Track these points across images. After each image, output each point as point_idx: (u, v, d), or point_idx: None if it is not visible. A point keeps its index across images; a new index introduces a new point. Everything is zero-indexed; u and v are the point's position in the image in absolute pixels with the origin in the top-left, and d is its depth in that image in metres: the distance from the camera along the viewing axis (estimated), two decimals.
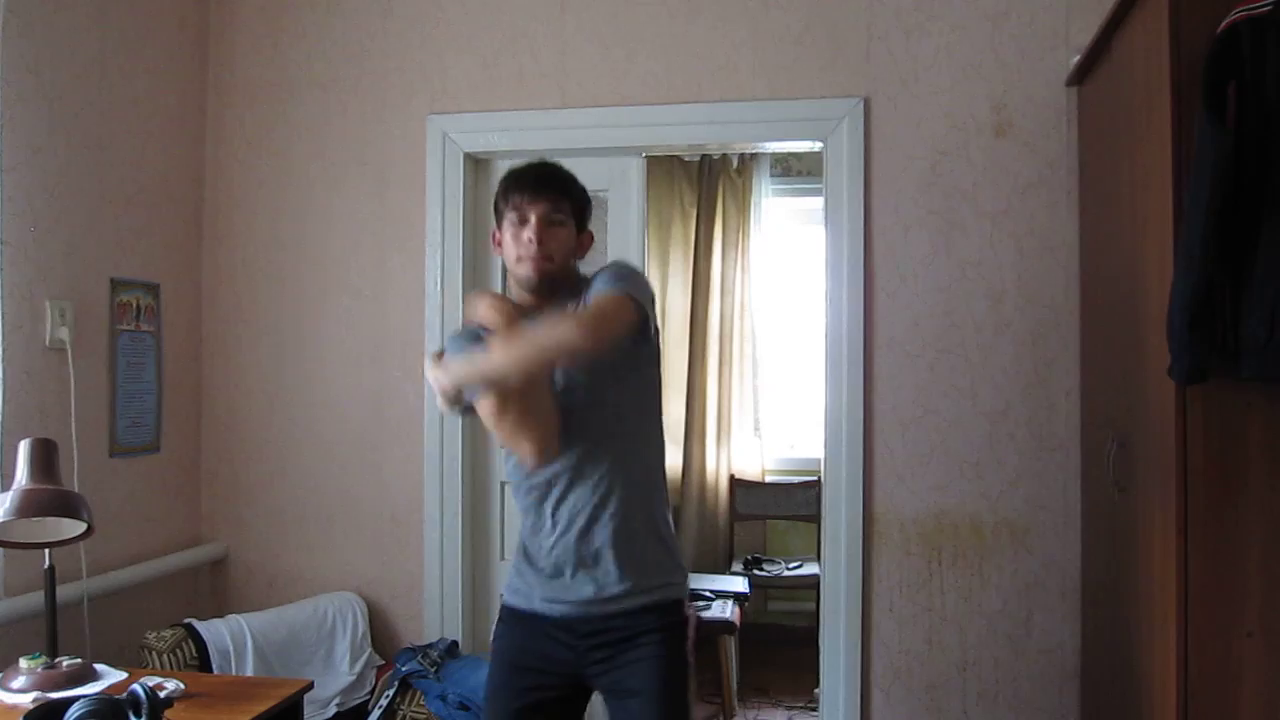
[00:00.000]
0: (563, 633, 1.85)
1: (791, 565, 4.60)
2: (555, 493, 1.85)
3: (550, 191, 1.85)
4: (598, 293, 1.78)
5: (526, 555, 1.91)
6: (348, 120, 3.12)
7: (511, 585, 1.94)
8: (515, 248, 1.84)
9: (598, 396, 1.84)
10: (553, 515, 1.86)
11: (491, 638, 2.02)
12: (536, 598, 1.87)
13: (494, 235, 1.93)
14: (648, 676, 1.80)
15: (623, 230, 3.06)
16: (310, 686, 2.23)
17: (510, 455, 1.91)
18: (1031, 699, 2.74)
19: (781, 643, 4.64)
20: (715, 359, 4.89)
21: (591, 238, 1.97)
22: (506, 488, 3.14)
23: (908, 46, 2.82)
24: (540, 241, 1.82)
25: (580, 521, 1.83)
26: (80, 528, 2.14)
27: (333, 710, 2.75)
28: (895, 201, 2.82)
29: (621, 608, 1.82)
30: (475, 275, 3.12)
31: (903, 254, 2.82)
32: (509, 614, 1.94)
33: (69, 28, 2.61)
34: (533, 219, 1.82)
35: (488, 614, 3.13)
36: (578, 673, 1.86)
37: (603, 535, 1.82)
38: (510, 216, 1.85)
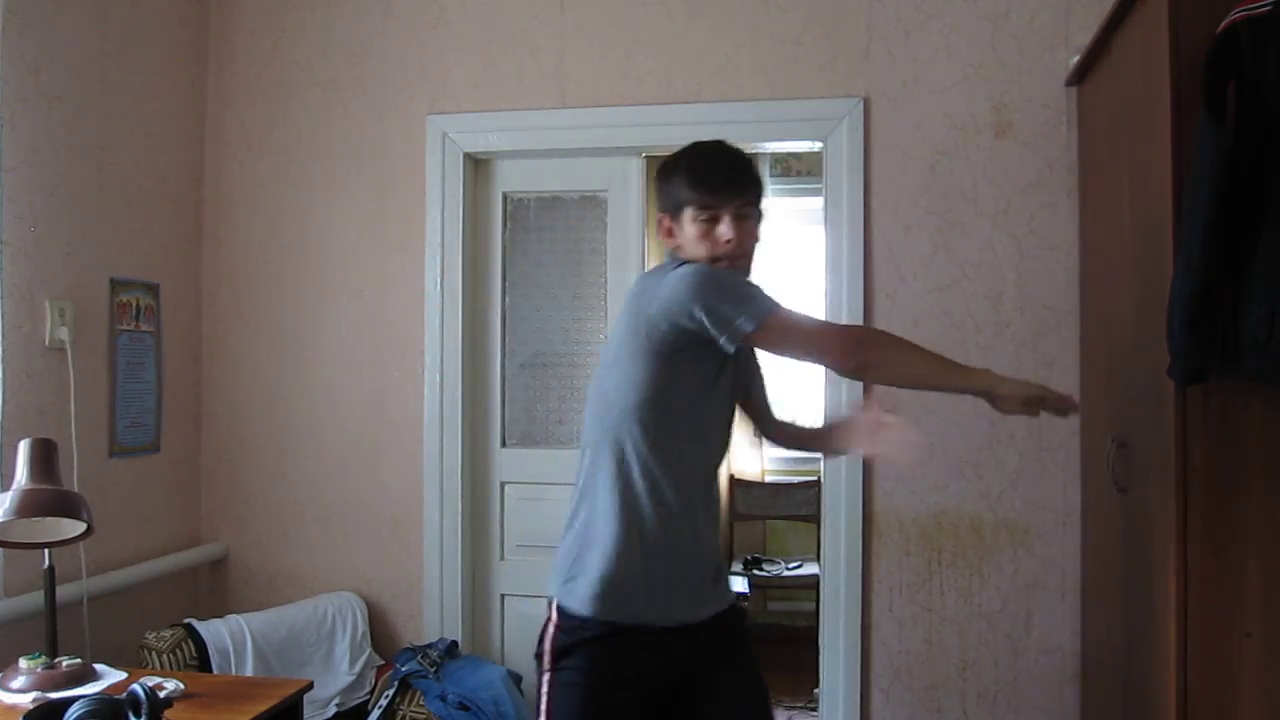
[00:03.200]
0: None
1: (791, 565, 4.60)
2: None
3: (745, 186, 1.75)
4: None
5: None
6: (348, 120, 3.12)
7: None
8: (705, 246, 1.74)
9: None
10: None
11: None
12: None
13: (662, 224, 1.83)
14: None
15: (622, 231, 3.06)
16: (310, 686, 2.23)
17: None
18: (1031, 699, 2.74)
19: (781, 643, 4.64)
20: None
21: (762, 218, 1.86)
22: (507, 488, 3.15)
23: (907, 46, 2.82)
24: (739, 238, 1.73)
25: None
26: (80, 528, 2.14)
27: (332, 710, 2.75)
28: (895, 201, 2.82)
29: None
30: (475, 275, 3.12)
31: (903, 254, 2.82)
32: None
33: (69, 28, 2.61)
34: (728, 216, 1.72)
35: (487, 614, 3.13)
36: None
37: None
38: (694, 213, 1.74)
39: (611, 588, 1.70)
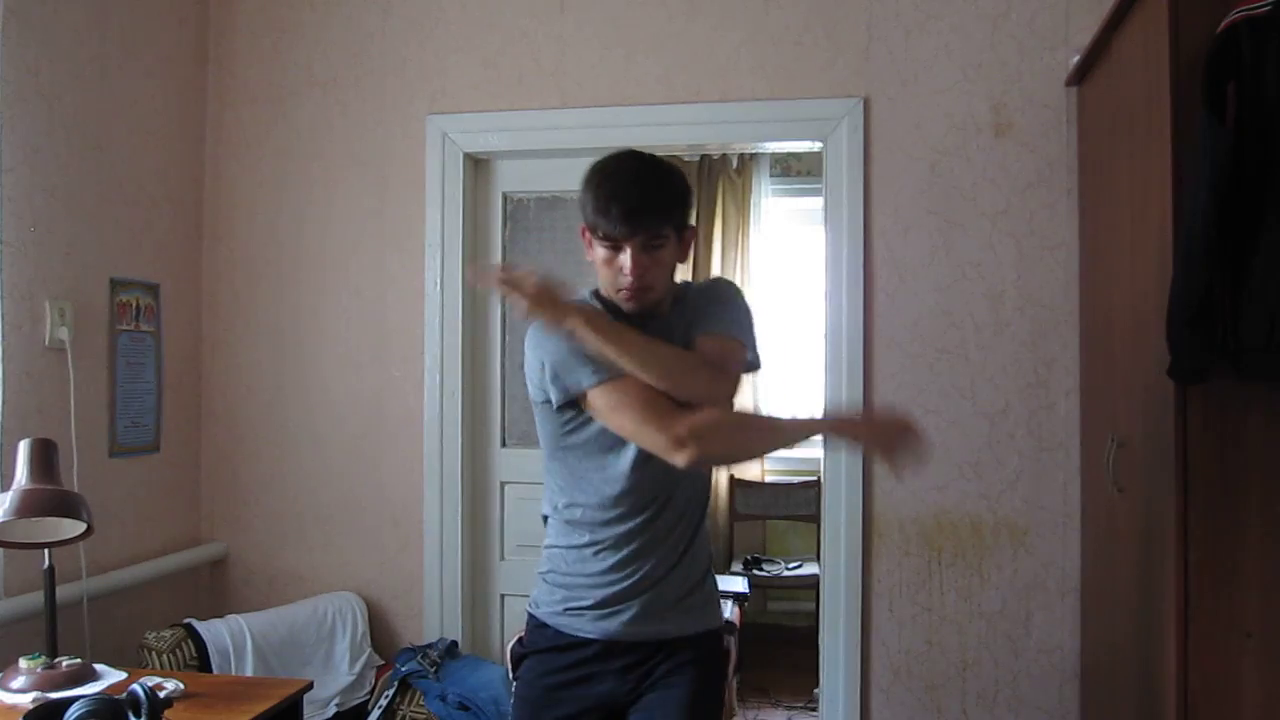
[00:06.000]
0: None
1: (791, 565, 4.60)
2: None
3: (648, 221, 1.58)
4: (718, 335, 1.64)
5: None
6: (347, 120, 3.12)
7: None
8: (609, 274, 1.63)
9: None
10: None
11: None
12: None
13: (584, 233, 1.68)
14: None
15: None
16: (310, 686, 2.23)
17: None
18: (1031, 699, 2.74)
19: (781, 643, 4.64)
20: None
21: (693, 233, 1.72)
22: (507, 487, 3.14)
23: (907, 46, 2.82)
24: (639, 274, 1.60)
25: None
26: (80, 528, 2.14)
27: (332, 710, 2.75)
28: (895, 201, 2.82)
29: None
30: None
31: (902, 254, 2.82)
32: None
33: (69, 28, 2.61)
34: (629, 251, 1.59)
35: (487, 614, 3.13)
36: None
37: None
38: (598, 239, 1.62)
39: None
